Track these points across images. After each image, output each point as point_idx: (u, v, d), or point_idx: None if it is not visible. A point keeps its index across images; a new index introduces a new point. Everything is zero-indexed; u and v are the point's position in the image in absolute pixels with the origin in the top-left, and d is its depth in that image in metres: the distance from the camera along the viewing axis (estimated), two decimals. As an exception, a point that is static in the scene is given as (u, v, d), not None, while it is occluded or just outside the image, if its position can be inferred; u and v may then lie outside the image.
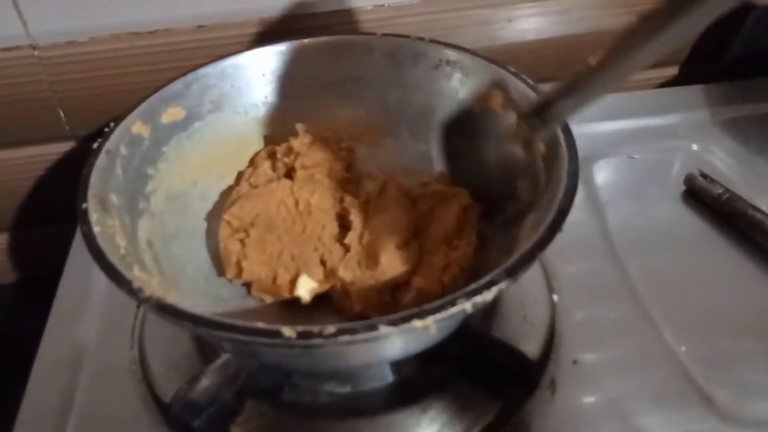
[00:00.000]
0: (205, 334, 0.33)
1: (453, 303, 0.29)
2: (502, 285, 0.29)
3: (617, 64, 0.32)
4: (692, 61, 0.64)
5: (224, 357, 0.37)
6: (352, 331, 0.28)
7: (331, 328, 0.28)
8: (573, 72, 0.34)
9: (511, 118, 0.37)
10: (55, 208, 0.62)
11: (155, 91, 0.42)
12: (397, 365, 0.39)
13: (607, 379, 0.39)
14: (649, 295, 0.43)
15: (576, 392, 0.39)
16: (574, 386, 0.39)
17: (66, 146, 0.60)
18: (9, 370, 0.57)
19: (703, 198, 0.49)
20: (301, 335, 0.28)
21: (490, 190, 0.40)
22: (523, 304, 0.42)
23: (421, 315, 0.28)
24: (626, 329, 0.41)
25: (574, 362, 0.40)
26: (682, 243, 0.47)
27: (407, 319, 0.28)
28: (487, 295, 0.29)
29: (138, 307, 0.44)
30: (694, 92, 0.60)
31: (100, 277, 0.45)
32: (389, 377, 0.39)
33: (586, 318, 0.42)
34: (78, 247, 0.49)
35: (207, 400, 0.37)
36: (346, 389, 0.39)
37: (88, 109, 0.57)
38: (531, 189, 0.37)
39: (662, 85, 0.66)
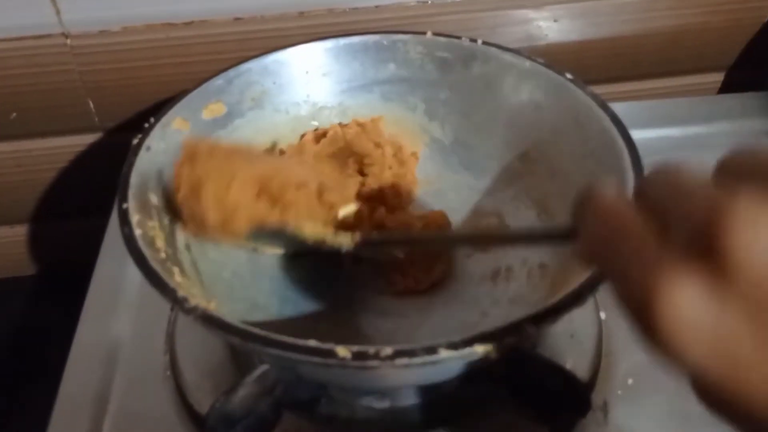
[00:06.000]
0: (253, 350, 0.31)
1: (518, 327, 0.27)
2: (569, 310, 0.28)
3: None
4: (739, 68, 0.62)
5: (262, 368, 0.35)
6: (410, 354, 0.26)
7: (387, 350, 0.26)
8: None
9: None
10: (78, 201, 0.62)
11: (196, 86, 0.40)
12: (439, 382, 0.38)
13: (662, 402, 0.37)
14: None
15: (629, 415, 0.37)
16: (627, 409, 0.37)
17: (92, 138, 0.59)
18: (29, 361, 0.57)
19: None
20: (357, 356, 0.26)
21: None
22: (571, 320, 0.40)
23: (483, 340, 0.27)
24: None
25: (627, 383, 0.38)
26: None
27: (469, 343, 0.27)
28: (555, 320, 0.28)
29: (172, 310, 0.42)
30: (745, 99, 0.58)
31: (132, 275, 0.45)
32: (430, 394, 0.38)
33: (637, 336, 0.40)
34: (110, 243, 0.48)
35: (243, 412, 0.35)
36: (385, 404, 0.38)
37: (118, 100, 0.56)
38: None
39: (708, 92, 0.64)
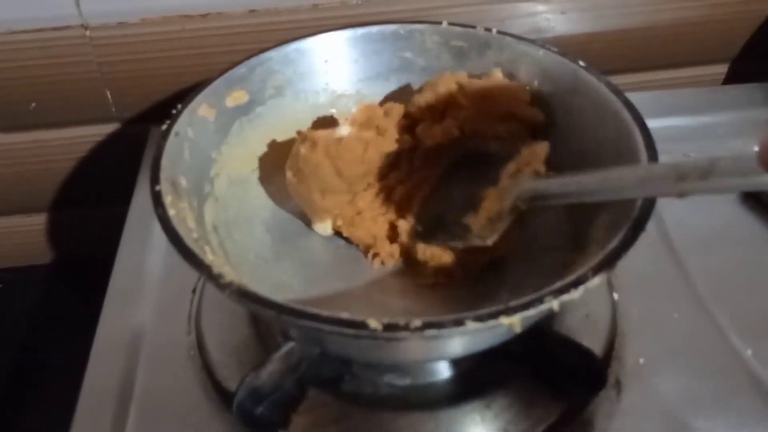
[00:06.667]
0: (287, 323, 0.33)
1: (541, 300, 0.28)
2: (589, 283, 0.29)
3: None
4: (743, 60, 0.63)
5: (289, 345, 0.37)
6: (438, 325, 0.28)
7: (417, 322, 0.27)
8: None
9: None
10: (94, 191, 0.62)
11: (221, 74, 0.41)
12: (458, 359, 0.39)
13: (672, 381, 0.39)
14: (710, 296, 0.43)
15: (641, 393, 0.38)
16: (639, 387, 0.38)
17: (110, 128, 0.59)
18: (45, 349, 0.57)
19: (763, 199, 0.48)
20: (387, 328, 0.27)
21: None
22: (585, 301, 0.42)
23: (508, 312, 0.28)
24: (690, 330, 0.41)
25: (639, 362, 0.39)
26: (741, 244, 0.47)
27: (494, 315, 0.28)
28: (575, 294, 0.29)
29: (194, 291, 0.43)
30: (750, 90, 0.59)
31: (154, 260, 0.46)
32: (450, 371, 0.39)
33: (648, 317, 0.42)
34: (131, 229, 0.49)
35: (270, 388, 0.36)
36: (406, 381, 0.39)
37: (135, 92, 0.57)
38: None
39: (713, 83, 0.65)
